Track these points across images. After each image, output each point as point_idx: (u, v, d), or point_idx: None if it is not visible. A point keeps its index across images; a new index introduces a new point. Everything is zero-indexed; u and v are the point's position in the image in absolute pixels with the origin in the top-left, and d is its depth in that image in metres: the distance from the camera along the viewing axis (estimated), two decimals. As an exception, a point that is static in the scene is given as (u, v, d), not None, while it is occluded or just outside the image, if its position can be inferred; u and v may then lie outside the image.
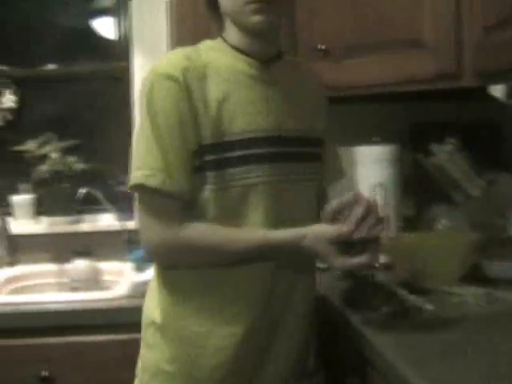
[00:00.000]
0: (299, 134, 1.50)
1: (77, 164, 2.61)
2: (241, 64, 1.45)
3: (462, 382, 1.09)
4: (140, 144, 1.37)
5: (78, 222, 2.64)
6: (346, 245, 1.29)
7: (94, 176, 2.66)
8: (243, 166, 1.38)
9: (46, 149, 2.60)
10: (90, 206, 2.64)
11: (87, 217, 2.68)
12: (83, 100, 2.80)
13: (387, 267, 1.72)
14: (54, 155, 2.59)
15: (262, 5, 1.38)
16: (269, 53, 1.49)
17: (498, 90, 1.85)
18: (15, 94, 2.70)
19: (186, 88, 1.35)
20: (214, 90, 1.38)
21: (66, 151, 2.63)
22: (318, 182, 1.56)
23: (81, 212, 2.66)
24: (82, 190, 2.53)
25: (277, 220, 1.41)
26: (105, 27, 2.86)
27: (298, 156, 1.49)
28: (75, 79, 2.79)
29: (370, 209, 1.31)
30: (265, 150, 1.42)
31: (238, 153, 1.38)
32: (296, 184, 1.48)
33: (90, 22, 2.84)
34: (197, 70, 1.38)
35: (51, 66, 2.80)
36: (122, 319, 1.97)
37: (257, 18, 1.39)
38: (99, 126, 2.79)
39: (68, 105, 2.80)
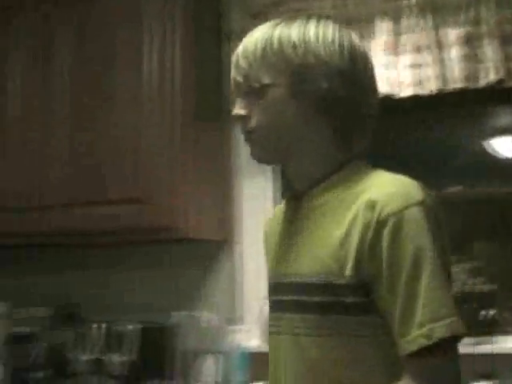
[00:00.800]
0: (303, 279, 1.24)
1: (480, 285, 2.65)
2: (283, 205, 1.43)
3: None
4: None
5: (479, 343, 2.65)
6: None
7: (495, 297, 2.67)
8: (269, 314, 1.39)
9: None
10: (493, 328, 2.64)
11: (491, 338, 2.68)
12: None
13: None
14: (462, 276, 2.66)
15: (246, 136, 1.33)
16: (304, 182, 1.31)
17: None
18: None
19: (265, 238, 1.48)
20: (270, 235, 1.45)
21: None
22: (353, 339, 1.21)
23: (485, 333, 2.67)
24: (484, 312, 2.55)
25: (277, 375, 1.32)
26: (504, 147, 2.89)
27: (296, 306, 1.26)
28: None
29: None
30: (272, 297, 1.37)
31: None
32: (295, 338, 1.25)
33: (488, 143, 2.90)
34: (273, 219, 1.48)
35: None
36: None
37: (250, 152, 1.35)
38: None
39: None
